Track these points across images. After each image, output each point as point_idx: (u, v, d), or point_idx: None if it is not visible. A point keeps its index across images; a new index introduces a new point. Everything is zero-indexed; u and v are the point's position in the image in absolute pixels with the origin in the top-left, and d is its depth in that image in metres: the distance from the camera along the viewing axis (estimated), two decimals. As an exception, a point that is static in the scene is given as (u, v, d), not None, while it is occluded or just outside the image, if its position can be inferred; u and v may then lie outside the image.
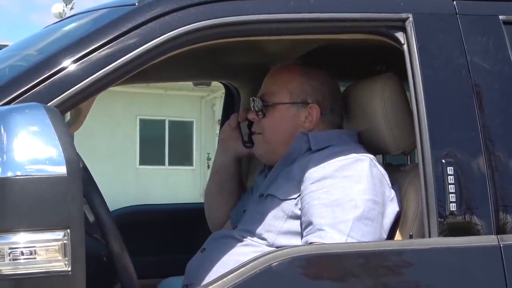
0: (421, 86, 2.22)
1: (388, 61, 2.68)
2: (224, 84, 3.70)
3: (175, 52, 2.15)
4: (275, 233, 2.42)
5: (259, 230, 2.46)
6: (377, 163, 2.44)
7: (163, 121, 20.94)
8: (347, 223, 2.26)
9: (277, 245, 2.38)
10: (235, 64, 3.37)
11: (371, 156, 2.45)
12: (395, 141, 2.54)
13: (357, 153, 2.44)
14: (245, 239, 2.48)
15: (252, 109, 2.70)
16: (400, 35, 2.28)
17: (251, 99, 2.72)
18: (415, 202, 2.37)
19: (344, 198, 2.31)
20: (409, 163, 2.77)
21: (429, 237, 2.14)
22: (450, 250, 2.15)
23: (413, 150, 2.54)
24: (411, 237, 2.31)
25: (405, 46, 2.27)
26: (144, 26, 2.09)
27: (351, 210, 2.28)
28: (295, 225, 2.40)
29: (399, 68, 2.37)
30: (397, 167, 2.62)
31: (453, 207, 2.15)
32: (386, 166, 2.55)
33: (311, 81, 2.66)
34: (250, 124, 2.76)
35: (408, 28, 2.27)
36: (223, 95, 3.79)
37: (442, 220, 2.14)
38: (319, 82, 2.66)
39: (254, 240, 2.46)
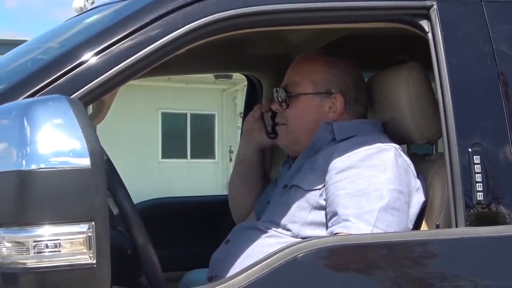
0: (447, 74, 2.20)
1: (411, 50, 2.65)
2: (246, 76, 3.70)
3: (197, 44, 2.13)
4: (300, 224, 2.41)
5: (283, 221, 2.44)
6: (402, 153, 2.41)
7: (185, 114, 20.98)
8: (372, 213, 2.24)
9: (302, 236, 2.37)
10: (257, 55, 3.36)
11: (396, 145, 2.43)
12: (420, 131, 2.52)
13: (382, 142, 2.42)
14: (269, 230, 2.46)
15: (276, 99, 2.69)
16: (424, 23, 2.26)
17: (274, 89, 2.71)
18: (441, 192, 2.35)
19: (369, 188, 2.29)
20: (434, 152, 2.74)
21: (456, 227, 2.12)
22: (478, 240, 2.12)
23: (438, 140, 2.52)
24: (437, 227, 2.29)
25: (429, 35, 2.24)
26: (166, 17, 2.08)
27: (376, 200, 2.26)
28: (320, 215, 2.38)
29: (423, 57, 2.35)
30: (423, 157, 2.59)
31: (480, 196, 2.12)
32: (411, 156, 2.53)
33: (334, 70, 2.64)
34: (274, 115, 2.75)
35: (433, 16, 2.24)
36: (245, 88, 3.78)
37: (469, 209, 2.12)
38: (341, 72, 2.64)
39: (279, 231, 2.45)
